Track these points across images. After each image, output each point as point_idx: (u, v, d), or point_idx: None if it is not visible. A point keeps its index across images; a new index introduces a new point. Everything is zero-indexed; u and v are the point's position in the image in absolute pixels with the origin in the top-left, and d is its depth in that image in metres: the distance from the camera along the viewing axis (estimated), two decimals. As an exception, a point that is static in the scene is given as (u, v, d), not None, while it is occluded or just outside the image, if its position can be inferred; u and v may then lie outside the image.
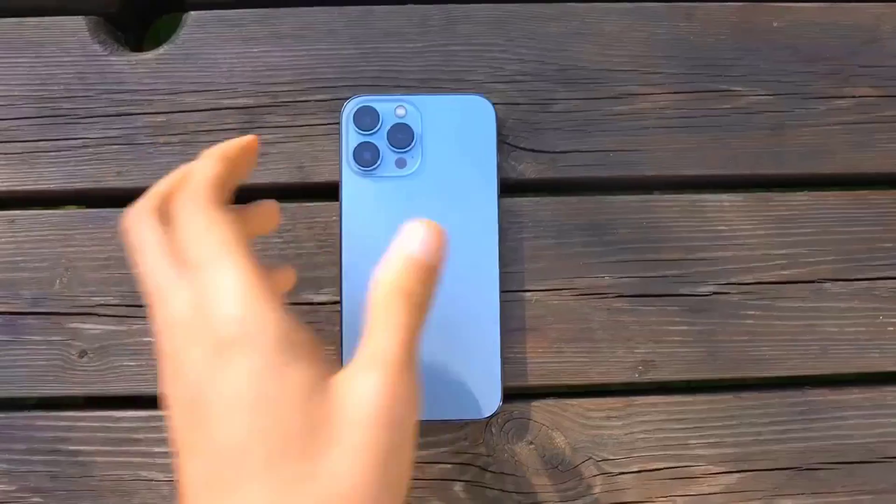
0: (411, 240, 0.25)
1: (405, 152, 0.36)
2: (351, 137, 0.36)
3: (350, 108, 0.36)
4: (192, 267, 0.24)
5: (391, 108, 0.36)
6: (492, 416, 0.35)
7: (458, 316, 0.35)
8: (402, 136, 0.36)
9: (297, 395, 0.22)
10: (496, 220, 0.36)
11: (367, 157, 0.36)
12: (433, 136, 0.36)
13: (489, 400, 0.35)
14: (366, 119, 0.36)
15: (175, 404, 0.24)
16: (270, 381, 0.22)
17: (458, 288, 0.35)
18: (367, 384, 0.23)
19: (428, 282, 0.25)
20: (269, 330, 0.23)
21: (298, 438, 0.22)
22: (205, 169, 0.26)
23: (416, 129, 0.36)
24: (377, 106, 0.36)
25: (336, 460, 0.22)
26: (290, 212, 0.37)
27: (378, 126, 0.36)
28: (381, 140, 0.36)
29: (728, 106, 0.38)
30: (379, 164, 0.36)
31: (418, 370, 0.24)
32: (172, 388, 0.24)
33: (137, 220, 0.26)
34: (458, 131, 0.36)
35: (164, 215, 0.26)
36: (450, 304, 0.34)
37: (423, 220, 0.25)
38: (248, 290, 0.23)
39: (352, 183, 0.36)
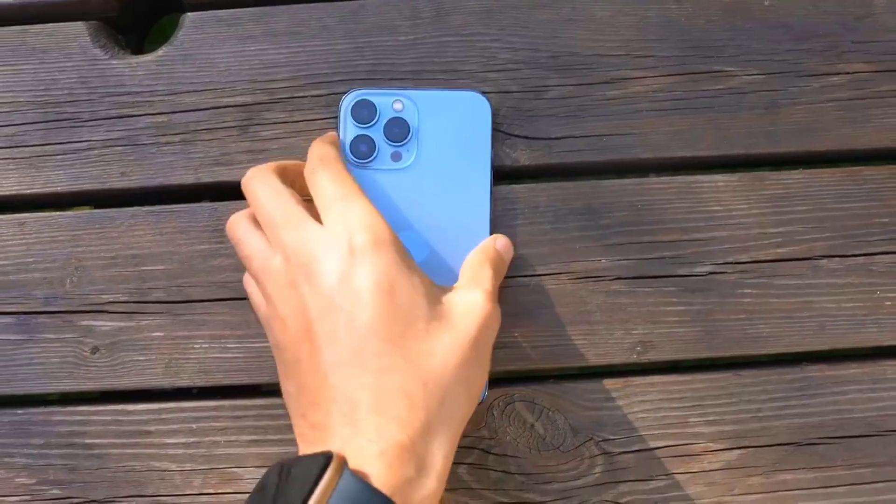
0: (497, 238, 0.36)
1: (401, 146, 0.36)
2: (348, 130, 0.36)
3: (348, 101, 0.36)
4: (326, 203, 0.31)
5: (388, 101, 0.36)
6: (480, 402, 0.36)
7: None
8: (399, 130, 0.36)
9: (421, 290, 0.29)
10: (488, 215, 0.36)
11: (363, 150, 0.36)
12: (429, 131, 0.36)
13: None
14: (363, 112, 0.36)
15: (309, 308, 0.29)
16: (401, 276, 0.29)
17: (448, 280, 0.34)
18: (475, 296, 0.31)
19: (501, 264, 0.35)
20: (396, 242, 0.30)
21: (424, 322, 0.29)
22: (326, 144, 0.34)
23: (413, 123, 0.36)
24: (375, 100, 0.36)
25: (449, 342, 0.29)
26: (291, 206, 0.38)
27: (375, 119, 0.36)
28: (377, 133, 0.36)
29: (721, 86, 0.38)
30: (375, 157, 0.36)
31: None
32: (300, 298, 0.29)
33: (259, 174, 0.32)
34: (453, 126, 0.36)
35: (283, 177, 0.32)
36: None
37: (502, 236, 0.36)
38: (376, 215, 0.30)
39: (352, 174, 0.35)
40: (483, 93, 0.37)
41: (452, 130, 0.36)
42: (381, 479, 0.26)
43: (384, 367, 0.28)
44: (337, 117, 0.36)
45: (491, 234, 0.36)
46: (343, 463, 0.26)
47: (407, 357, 0.28)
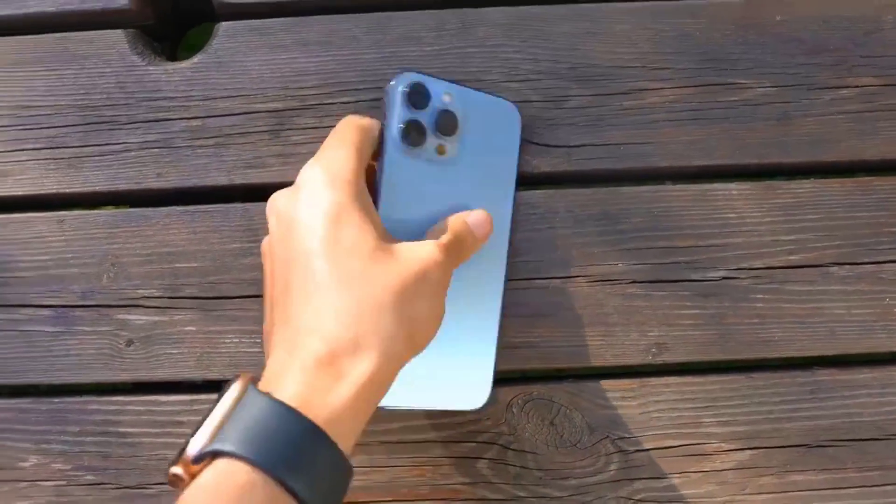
0: (471, 214, 0.34)
1: (447, 139, 0.35)
2: (400, 113, 0.34)
3: (403, 82, 0.34)
4: (319, 152, 0.32)
5: (440, 91, 0.35)
6: (481, 409, 0.36)
7: (460, 307, 0.35)
8: (449, 124, 0.35)
9: (368, 226, 0.30)
10: (510, 219, 0.37)
11: (415, 137, 0.34)
12: (468, 129, 0.35)
13: (478, 392, 0.36)
14: (418, 98, 0.34)
15: (275, 249, 0.31)
16: (352, 210, 0.30)
17: (465, 279, 0.34)
18: (426, 244, 0.31)
19: (469, 240, 0.33)
20: (356, 185, 0.30)
21: (368, 250, 0.29)
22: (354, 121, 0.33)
23: (460, 118, 0.35)
24: (430, 87, 0.34)
25: (391, 270, 0.29)
26: (319, 207, 0.39)
27: (427, 107, 0.34)
28: (429, 122, 0.34)
29: (735, 98, 0.40)
30: (425, 146, 0.34)
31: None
32: (272, 244, 0.31)
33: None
34: (489, 130, 0.36)
35: None
36: (454, 295, 0.33)
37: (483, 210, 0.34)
38: (345, 160, 0.31)
39: (394, 159, 0.34)
40: (516, 105, 0.37)
41: (488, 134, 0.36)
42: (289, 390, 0.26)
43: (322, 286, 0.28)
44: (384, 98, 0.34)
45: (513, 235, 0.38)
46: (248, 381, 0.28)
47: (344, 277, 0.28)
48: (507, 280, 0.37)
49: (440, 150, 0.35)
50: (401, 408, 0.35)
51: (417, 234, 0.33)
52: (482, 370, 0.36)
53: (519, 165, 0.39)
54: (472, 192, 0.36)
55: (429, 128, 0.34)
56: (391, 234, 0.32)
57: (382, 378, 0.28)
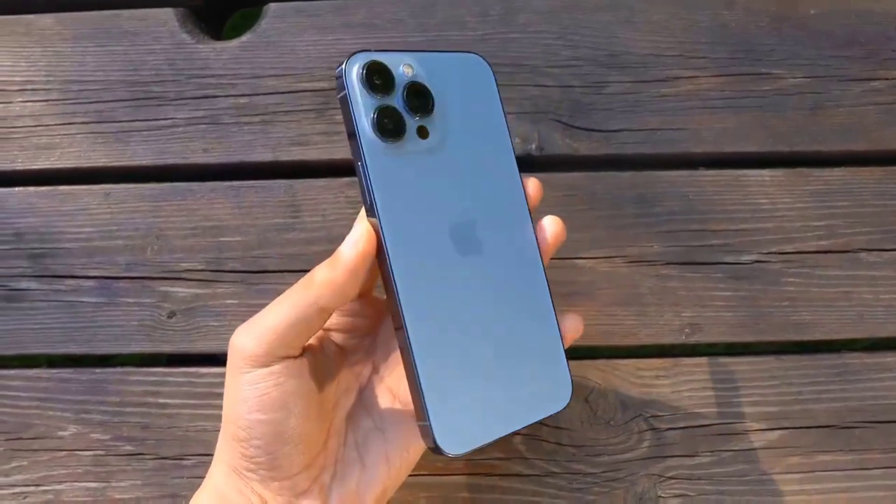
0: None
1: (425, 119, 0.29)
2: (364, 103, 0.27)
3: (357, 66, 0.27)
4: None
5: (398, 64, 0.28)
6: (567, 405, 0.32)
7: (509, 305, 0.31)
8: (421, 100, 0.29)
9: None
10: (522, 191, 0.31)
11: (391, 127, 0.28)
12: (444, 101, 0.29)
13: (559, 389, 0.32)
14: (379, 79, 0.28)
15: None
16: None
17: (502, 274, 0.30)
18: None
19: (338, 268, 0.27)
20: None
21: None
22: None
23: (432, 90, 0.29)
24: (387, 62, 0.28)
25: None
26: (362, 185, 0.40)
27: (394, 88, 0.28)
28: (399, 104, 0.28)
29: (768, 87, 0.41)
30: (406, 136, 0.28)
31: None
32: None
33: None
34: (465, 94, 0.30)
35: None
36: (500, 296, 0.30)
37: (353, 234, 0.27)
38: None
39: (379, 166, 0.27)
40: (481, 56, 0.31)
41: (466, 99, 0.30)
42: None
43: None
44: (339, 88, 0.28)
45: (532, 217, 0.32)
46: None
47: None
48: (542, 256, 0.32)
49: (421, 134, 0.29)
50: (492, 441, 0.29)
51: (443, 241, 0.29)
52: (555, 365, 0.32)
53: (557, 147, 0.40)
54: (473, 171, 0.30)
55: (401, 111, 0.28)
56: (415, 246, 0.28)
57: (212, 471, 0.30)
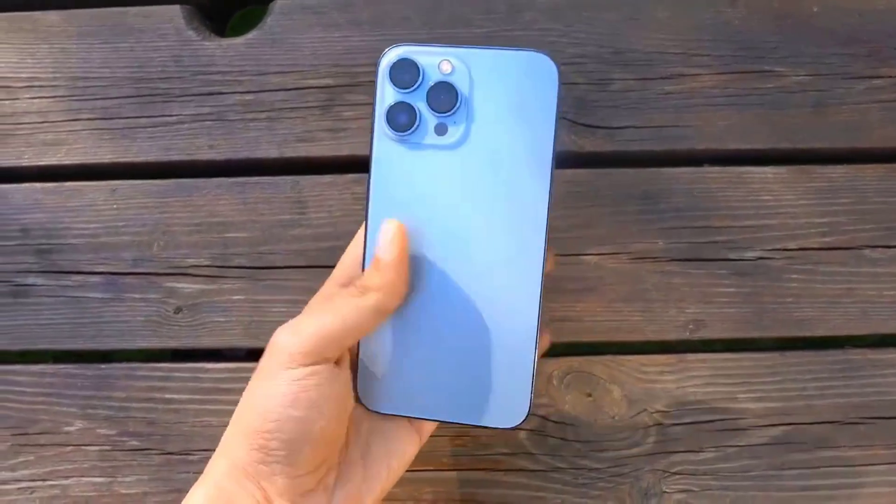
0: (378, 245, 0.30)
1: (447, 116, 0.29)
2: (386, 95, 0.30)
3: (387, 60, 0.30)
4: None
5: (435, 62, 0.29)
6: (517, 427, 0.31)
7: (493, 316, 0.31)
8: (445, 98, 0.29)
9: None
10: (546, 211, 0.29)
11: (402, 120, 0.29)
12: (483, 99, 0.29)
13: (516, 406, 0.31)
14: (404, 74, 0.30)
15: None
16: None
17: (495, 283, 0.30)
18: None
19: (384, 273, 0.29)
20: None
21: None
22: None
23: (462, 89, 0.29)
24: (419, 59, 0.29)
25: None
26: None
27: (418, 83, 0.30)
28: (419, 100, 0.30)
29: (771, 85, 0.41)
30: (416, 129, 0.30)
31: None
32: None
33: None
34: (512, 95, 0.29)
35: None
36: (485, 303, 0.30)
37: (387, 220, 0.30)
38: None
39: (384, 149, 0.30)
40: (549, 55, 0.29)
41: (511, 100, 0.29)
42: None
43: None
44: (374, 79, 0.30)
45: (547, 229, 0.30)
46: None
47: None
48: (543, 288, 0.30)
49: (440, 131, 0.30)
50: (430, 419, 0.32)
51: (428, 237, 0.30)
52: (519, 384, 0.31)
53: (562, 144, 0.40)
54: (490, 178, 0.30)
55: (422, 107, 0.30)
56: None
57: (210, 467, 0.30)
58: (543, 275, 0.30)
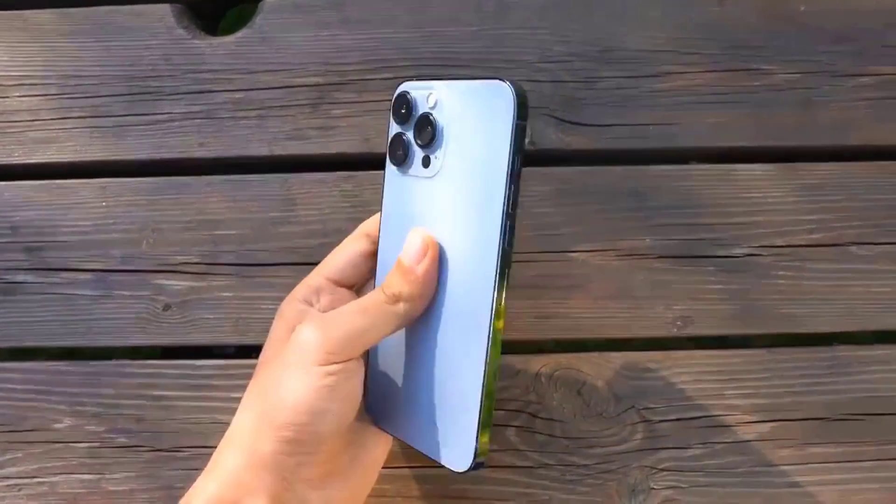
0: (405, 251, 0.31)
1: (430, 149, 0.30)
2: (391, 127, 0.32)
3: (395, 93, 0.31)
4: None
5: (424, 96, 0.30)
6: (464, 472, 0.29)
7: (453, 354, 0.30)
8: (427, 132, 0.30)
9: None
10: (497, 240, 0.28)
11: (399, 154, 0.31)
12: (455, 130, 0.29)
13: (463, 452, 0.29)
14: (402, 108, 0.31)
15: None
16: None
17: (458, 320, 0.30)
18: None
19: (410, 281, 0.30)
20: (288, 305, 0.33)
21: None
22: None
23: (440, 122, 0.30)
24: (414, 93, 0.31)
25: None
26: (358, 179, 0.41)
27: (412, 117, 0.31)
28: (411, 134, 0.31)
29: (759, 83, 0.41)
30: (411, 163, 0.31)
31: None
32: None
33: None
34: (477, 123, 0.29)
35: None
36: (451, 337, 0.30)
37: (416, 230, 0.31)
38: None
39: (390, 171, 0.32)
40: (512, 81, 0.28)
41: (476, 130, 0.29)
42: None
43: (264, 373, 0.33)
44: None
45: (504, 258, 0.28)
46: None
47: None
48: (494, 339, 0.28)
49: (425, 163, 0.30)
50: (397, 436, 0.33)
51: None
52: (465, 432, 0.29)
53: (551, 142, 0.40)
54: (454, 207, 0.29)
55: (412, 140, 0.31)
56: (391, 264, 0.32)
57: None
58: (493, 322, 0.28)
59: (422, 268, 0.30)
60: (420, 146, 0.30)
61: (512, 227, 0.28)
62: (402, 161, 0.31)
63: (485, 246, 0.28)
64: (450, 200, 0.30)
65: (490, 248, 0.28)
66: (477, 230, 0.29)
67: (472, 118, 0.29)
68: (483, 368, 0.29)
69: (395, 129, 0.31)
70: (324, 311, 0.32)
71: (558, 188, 0.40)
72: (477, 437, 0.29)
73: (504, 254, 0.28)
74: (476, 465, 0.29)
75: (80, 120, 0.41)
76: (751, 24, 0.42)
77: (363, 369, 0.31)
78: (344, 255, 0.34)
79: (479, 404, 0.29)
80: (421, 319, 0.31)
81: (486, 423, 0.29)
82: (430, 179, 0.30)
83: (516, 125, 0.27)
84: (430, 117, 0.30)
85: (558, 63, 0.41)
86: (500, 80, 0.28)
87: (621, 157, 0.41)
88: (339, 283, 0.34)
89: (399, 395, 0.32)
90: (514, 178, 0.28)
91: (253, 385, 0.32)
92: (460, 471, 0.29)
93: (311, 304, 0.33)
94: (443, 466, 0.30)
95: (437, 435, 0.30)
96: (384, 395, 0.33)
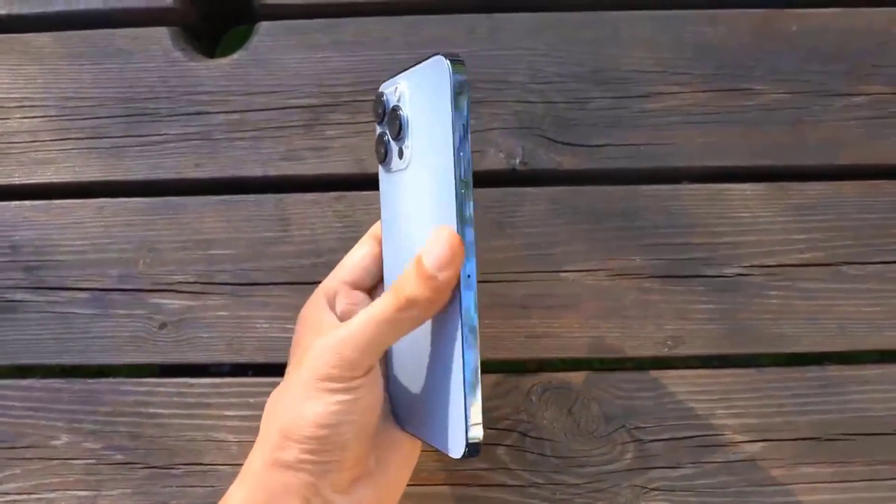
0: (425, 252, 0.28)
1: (399, 141, 0.31)
2: (376, 130, 0.33)
3: (375, 95, 0.33)
4: None
5: (393, 91, 0.31)
6: (462, 459, 0.29)
7: (440, 343, 0.31)
8: (395, 124, 0.31)
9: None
10: (454, 217, 0.28)
11: (382, 152, 0.32)
12: (414, 117, 0.30)
13: (456, 439, 0.29)
14: (378, 107, 0.32)
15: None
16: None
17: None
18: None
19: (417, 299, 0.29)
20: (307, 310, 0.34)
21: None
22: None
23: (404, 113, 0.31)
24: (386, 91, 0.32)
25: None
26: (350, 200, 0.41)
27: (385, 115, 0.32)
28: (386, 130, 0.32)
29: (750, 103, 0.41)
30: (391, 159, 0.32)
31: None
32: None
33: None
34: (427, 103, 0.29)
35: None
36: (438, 328, 0.30)
37: (440, 228, 0.28)
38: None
39: (381, 173, 0.34)
40: (450, 56, 0.28)
41: (427, 109, 0.29)
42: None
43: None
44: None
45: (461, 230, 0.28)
46: None
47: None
48: (470, 337, 0.29)
49: (400, 155, 0.31)
50: (408, 430, 0.33)
51: (399, 262, 0.32)
52: (456, 417, 0.29)
53: (542, 162, 0.40)
54: (427, 191, 0.30)
55: (388, 136, 0.32)
56: (387, 260, 0.34)
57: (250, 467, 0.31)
58: (464, 318, 0.28)
59: (445, 276, 0.28)
60: (394, 140, 0.31)
61: (468, 181, 0.28)
62: (384, 159, 0.32)
63: (446, 214, 0.28)
64: (424, 186, 0.30)
65: (449, 214, 0.28)
66: (437, 203, 0.29)
67: (423, 98, 0.29)
68: (460, 352, 0.29)
69: (377, 130, 0.33)
70: (341, 315, 0.33)
71: (549, 208, 0.41)
72: (466, 422, 0.28)
73: (462, 216, 0.28)
74: (470, 451, 0.29)
75: (79, 141, 0.42)
76: (742, 44, 0.42)
77: (381, 377, 0.32)
78: (355, 260, 0.35)
79: (462, 390, 0.29)
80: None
81: (474, 401, 0.29)
82: (405, 171, 0.31)
83: (454, 82, 0.27)
84: (397, 111, 0.31)
85: (550, 84, 0.41)
86: (438, 54, 0.28)
87: (612, 177, 0.41)
88: (354, 286, 0.34)
89: (405, 391, 0.33)
90: (462, 144, 0.27)
91: (277, 394, 0.32)
92: (456, 457, 0.29)
93: (331, 308, 0.33)
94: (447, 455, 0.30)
95: (435, 422, 0.31)
96: (396, 393, 0.34)
